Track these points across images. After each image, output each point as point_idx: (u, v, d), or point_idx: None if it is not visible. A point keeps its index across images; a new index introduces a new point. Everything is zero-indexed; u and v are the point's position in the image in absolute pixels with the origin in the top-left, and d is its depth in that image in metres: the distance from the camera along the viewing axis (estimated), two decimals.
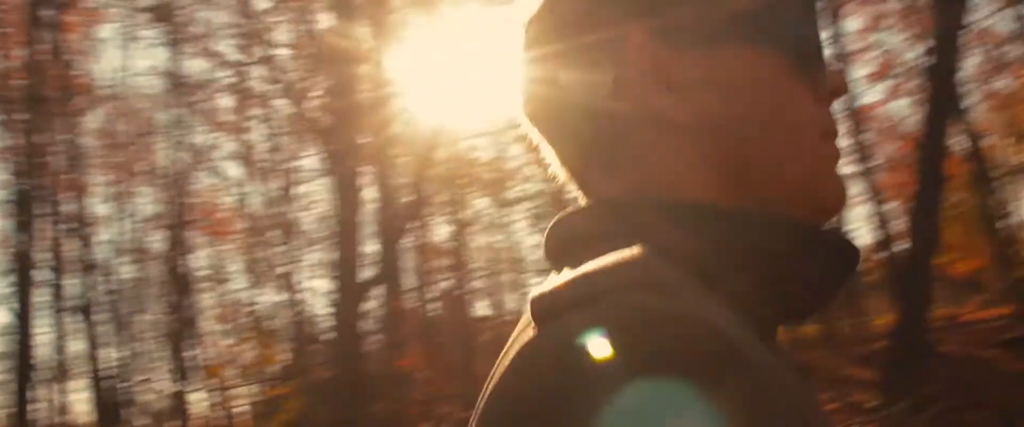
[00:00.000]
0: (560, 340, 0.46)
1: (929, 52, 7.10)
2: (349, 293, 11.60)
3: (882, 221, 15.96)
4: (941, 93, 6.65)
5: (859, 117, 16.16)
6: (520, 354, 0.48)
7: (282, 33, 14.51)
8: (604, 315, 0.46)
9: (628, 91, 0.63)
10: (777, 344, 0.63)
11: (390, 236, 13.24)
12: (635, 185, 0.63)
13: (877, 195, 16.18)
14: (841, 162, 0.68)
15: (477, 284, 21.01)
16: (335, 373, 11.76)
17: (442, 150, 15.78)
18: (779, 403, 0.44)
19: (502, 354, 0.56)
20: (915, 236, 8.78)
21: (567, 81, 0.66)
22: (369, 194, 13.94)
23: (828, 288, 0.61)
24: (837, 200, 0.66)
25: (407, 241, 16.57)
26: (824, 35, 0.67)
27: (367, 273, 12.14)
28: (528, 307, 0.53)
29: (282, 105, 15.65)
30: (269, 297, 19.79)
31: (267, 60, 14.07)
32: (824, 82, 0.66)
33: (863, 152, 16.20)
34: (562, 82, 0.66)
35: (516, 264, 21.42)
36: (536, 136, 0.72)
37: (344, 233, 11.81)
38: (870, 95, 24.94)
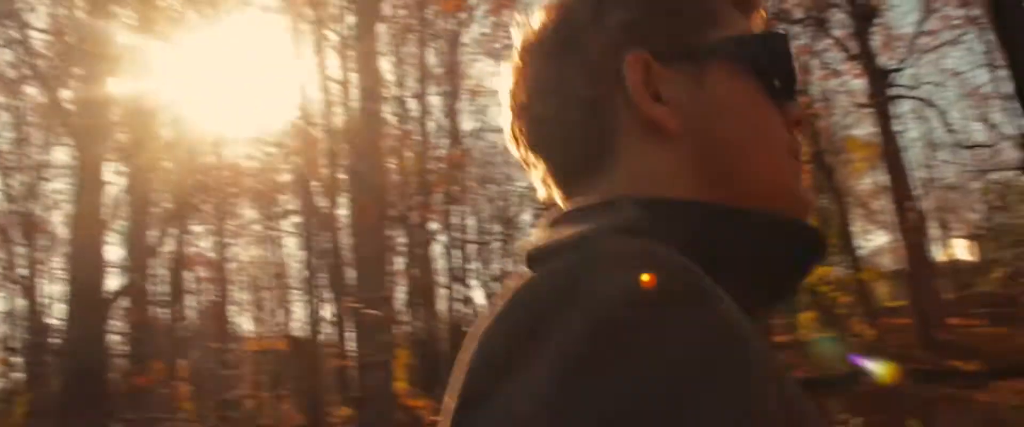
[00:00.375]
0: (553, 273, 0.52)
1: None
2: (90, 301, 10.77)
3: None
4: None
5: None
6: (515, 290, 0.53)
7: (38, 16, 13.38)
8: (593, 252, 0.53)
9: (623, 102, 0.69)
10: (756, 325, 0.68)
11: (142, 243, 12.45)
12: (625, 189, 0.67)
13: None
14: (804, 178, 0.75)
15: (239, 298, 20.21)
16: (68, 387, 10.85)
17: (208, 157, 15.10)
18: (745, 341, 0.48)
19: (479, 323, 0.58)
20: None
21: (565, 95, 0.71)
22: (123, 197, 13.08)
23: (798, 274, 0.68)
24: (804, 209, 0.72)
25: (163, 249, 15.64)
26: (795, 71, 0.75)
27: (113, 281, 11.34)
28: (520, 261, 0.59)
29: (32, 93, 14.43)
30: (1, 302, 18.01)
31: (18, 43, 12.94)
32: (792, 111, 0.73)
33: None
34: (560, 96, 0.71)
35: (281, 279, 20.73)
36: (523, 150, 0.76)
37: (89, 237, 10.98)
38: None
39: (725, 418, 0.44)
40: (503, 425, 0.46)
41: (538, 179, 0.76)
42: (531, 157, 0.76)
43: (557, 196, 0.75)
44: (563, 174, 0.73)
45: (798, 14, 16.24)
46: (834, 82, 18.00)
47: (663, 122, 0.68)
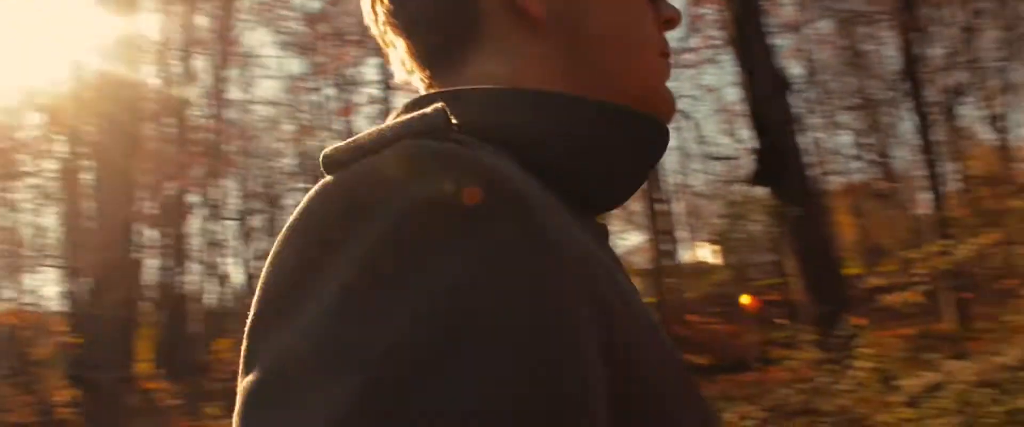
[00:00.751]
0: (347, 179, 0.49)
1: None
2: None
3: None
4: None
5: None
6: (309, 196, 0.50)
7: None
8: (390, 156, 0.49)
9: None
10: (594, 226, 0.64)
11: None
12: (482, 76, 0.64)
13: None
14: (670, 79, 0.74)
15: None
16: None
17: None
18: (551, 247, 0.45)
19: None
20: None
21: None
22: None
23: (644, 169, 0.65)
24: (669, 109, 0.71)
25: None
26: None
27: None
28: (321, 165, 0.54)
29: None
30: None
31: None
32: (665, 10, 0.72)
33: None
34: None
35: (16, 247, 18.92)
36: (380, 28, 0.72)
37: None
38: None
39: (512, 359, 0.40)
40: (282, 350, 0.43)
41: (396, 60, 0.73)
42: (389, 35, 0.72)
43: (418, 79, 0.71)
44: (425, 56, 0.70)
45: None
46: None
47: (529, 9, 0.66)
